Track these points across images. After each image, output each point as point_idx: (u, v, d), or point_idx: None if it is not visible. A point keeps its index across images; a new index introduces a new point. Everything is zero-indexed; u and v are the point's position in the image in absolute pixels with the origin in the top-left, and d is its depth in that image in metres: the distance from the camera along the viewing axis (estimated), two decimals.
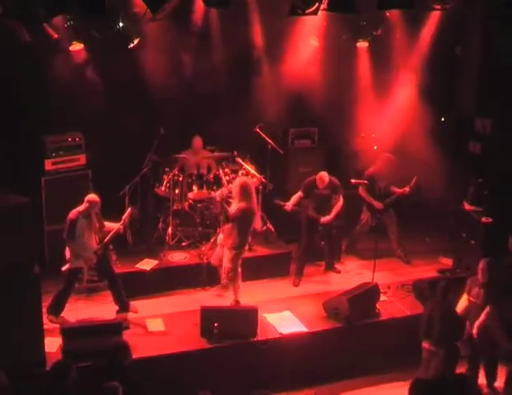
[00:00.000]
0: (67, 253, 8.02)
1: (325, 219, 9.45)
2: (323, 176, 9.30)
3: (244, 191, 8.31)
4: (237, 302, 8.62)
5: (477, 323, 7.58)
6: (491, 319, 7.57)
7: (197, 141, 9.98)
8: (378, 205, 9.96)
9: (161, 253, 9.52)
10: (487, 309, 7.57)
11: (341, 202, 9.49)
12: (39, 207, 8.99)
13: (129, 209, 8.49)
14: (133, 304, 8.42)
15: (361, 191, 9.97)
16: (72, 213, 7.96)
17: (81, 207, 7.97)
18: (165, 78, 9.71)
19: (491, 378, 7.86)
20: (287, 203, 9.46)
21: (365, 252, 10.18)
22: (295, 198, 9.50)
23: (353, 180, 9.77)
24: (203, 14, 9.66)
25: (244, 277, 9.36)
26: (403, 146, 10.23)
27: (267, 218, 10.26)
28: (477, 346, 7.68)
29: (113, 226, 8.29)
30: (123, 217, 8.37)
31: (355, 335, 8.23)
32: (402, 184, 9.90)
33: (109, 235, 8.21)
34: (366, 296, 8.42)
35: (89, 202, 7.94)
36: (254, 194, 8.50)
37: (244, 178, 9.11)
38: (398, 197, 9.99)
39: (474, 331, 7.59)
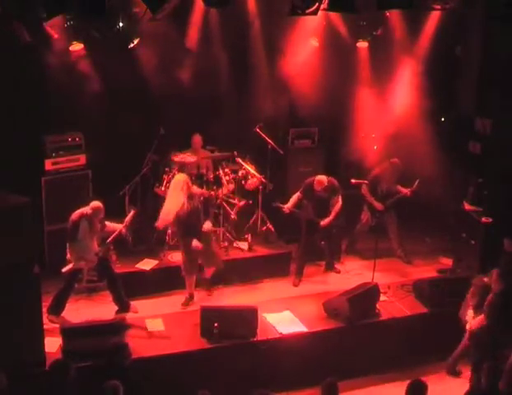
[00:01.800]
0: (68, 254, 8.03)
1: (324, 222, 9.46)
2: (322, 180, 9.29)
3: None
4: (191, 296, 8.69)
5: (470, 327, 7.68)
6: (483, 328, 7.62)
7: (197, 139, 9.97)
8: (378, 206, 9.97)
9: (161, 253, 9.52)
10: (481, 317, 7.61)
11: (339, 203, 9.49)
12: (39, 207, 8.99)
13: (132, 211, 8.49)
14: (133, 304, 8.43)
15: (364, 190, 9.98)
16: (75, 215, 7.97)
17: (84, 210, 7.98)
18: (165, 78, 9.72)
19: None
20: (286, 206, 9.45)
21: (365, 252, 10.19)
22: (293, 199, 9.50)
23: (353, 180, 9.78)
24: (203, 14, 9.66)
25: (244, 277, 9.40)
26: (403, 145, 10.22)
27: (267, 218, 10.26)
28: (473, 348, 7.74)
29: (115, 227, 8.30)
30: (126, 219, 8.38)
31: (355, 335, 8.22)
32: (404, 184, 9.91)
33: (112, 236, 8.21)
34: (366, 296, 8.41)
35: (93, 209, 7.97)
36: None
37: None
38: (400, 199, 9.99)
39: (466, 335, 7.68)
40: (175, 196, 8.44)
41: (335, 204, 9.48)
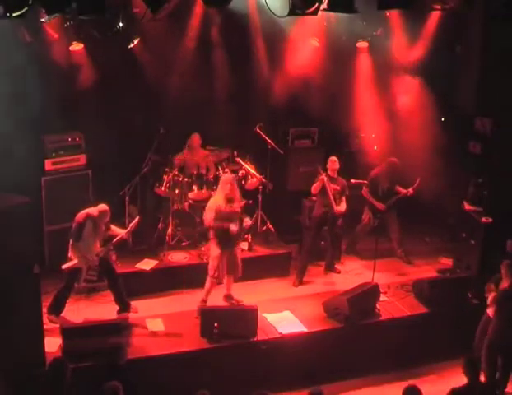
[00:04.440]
0: (70, 253, 8.04)
1: (339, 208, 9.41)
2: (334, 160, 9.40)
3: None
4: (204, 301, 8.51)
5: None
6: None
7: (195, 139, 9.96)
8: (380, 206, 9.96)
9: (161, 253, 9.52)
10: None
11: (344, 203, 9.49)
12: (39, 207, 8.99)
13: (137, 217, 8.49)
14: (133, 304, 8.44)
15: (364, 191, 9.99)
16: (80, 215, 7.98)
17: (90, 211, 7.99)
18: (165, 78, 9.73)
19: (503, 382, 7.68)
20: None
21: (365, 252, 10.19)
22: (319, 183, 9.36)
23: (353, 180, 9.81)
24: (203, 13, 9.66)
25: (244, 277, 9.39)
26: (403, 146, 10.23)
27: (267, 218, 10.26)
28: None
29: (118, 231, 8.33)
30: (131, 225, 8.39)
31: (355, 335, 8.23)
32: (405, 185, 9.92)
33: (115, 240, 8.24)
34: (366, 296, 8.42)
35: (100, 211, 8.00)
36: None
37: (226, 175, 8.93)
38: (401, 198, 9.99)
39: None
40: (216, 195, 8.43)
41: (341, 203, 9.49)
